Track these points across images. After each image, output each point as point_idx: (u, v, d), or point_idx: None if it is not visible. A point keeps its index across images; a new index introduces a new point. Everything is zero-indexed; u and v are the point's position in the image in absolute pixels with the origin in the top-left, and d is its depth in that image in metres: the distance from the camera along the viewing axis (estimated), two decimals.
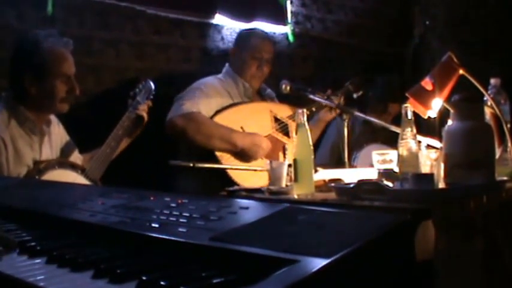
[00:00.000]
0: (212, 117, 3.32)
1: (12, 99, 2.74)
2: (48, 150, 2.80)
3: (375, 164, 2.33)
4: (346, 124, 3.09)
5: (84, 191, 1.86)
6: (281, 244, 0.96)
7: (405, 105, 2.27)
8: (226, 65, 3.62)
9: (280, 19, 4.29)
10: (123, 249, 1.14)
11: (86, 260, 1.05)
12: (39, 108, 2.76)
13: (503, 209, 1.86)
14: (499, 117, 2.32)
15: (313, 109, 3.46)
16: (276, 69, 3.75)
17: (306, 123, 2.14)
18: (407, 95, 2.39)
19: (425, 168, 2.16)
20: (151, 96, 3.11)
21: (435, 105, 2.33)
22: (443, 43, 4.69)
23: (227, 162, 3.21)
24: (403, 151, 2.19)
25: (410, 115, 2.24)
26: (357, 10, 4.87)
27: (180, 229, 1.12)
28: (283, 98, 3.64)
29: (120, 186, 1.65)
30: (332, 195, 1.98)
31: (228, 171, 3.11)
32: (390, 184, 1.91)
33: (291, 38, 4.36)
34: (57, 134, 2.91)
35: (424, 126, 2.68)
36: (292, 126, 3.41)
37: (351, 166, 3.19)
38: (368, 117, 3.40)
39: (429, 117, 2.40)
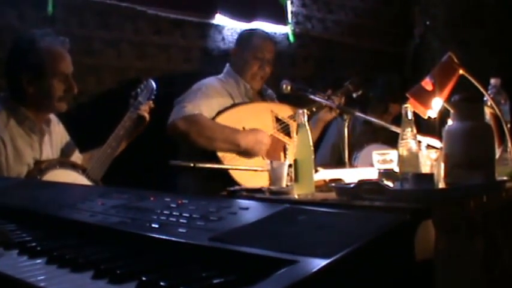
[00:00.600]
0: (214, 118, 3.32)
1: (10, 99, 2.74)
2: (48, 150, 2.80)
3: (375, 164, 2.33)
4: (346, 124, 3.09)
5: (84, 191, 1.86)
6: (281, 244, 0.96)
7: (405, 105, 2.26)
8: (227, 65, 3.61)
9: (281, 19, 4.29)
10: (123, 249, 1.15)
11: (86, 260, 1.05)
12: (37, 107, 2.76)
13: (503, 209, 1.86)
14: (499, 117, 2.32)
15: (314, 109, 3.46)
16: (277, 69, 3.74)
17: (307, 124, 2.14)
18: (407, 95, 2.39)
19: (425, 168, 2.16)
20: (153, 96, 3.11)
21: (435, 105, 2.33)
22: (443, 43, 4.69)
23: (229, 162, 3.21)
24: (404, 151, 2.19)
25: (410, 115, 2.23)
26: (357, 10, 4.88)
27: (180, 229, 1.13)
28: (283, 98, 3.64)
29: (121, 186, 1.65)
30: (332, 195, 1.98)
31: (229, 171, 3.12)
32: (390, 184, 1.91)
33: (291, 38, 4.36)
34: (58, 133, 2.91)
35: (424, 126, 2.68)
36: (293, 126, 3.41)
37: (351, 166, 3.19)
38: (368, 117, 3.40)
39: (429, 117, 2.40)
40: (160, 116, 3.18)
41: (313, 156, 2.13)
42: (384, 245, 0.96)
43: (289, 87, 3.37)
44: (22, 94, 2.71)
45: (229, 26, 4.00)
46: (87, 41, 3.39)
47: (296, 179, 2.10)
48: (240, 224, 1.10)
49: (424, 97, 2.35)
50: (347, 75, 3.96)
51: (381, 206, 1.70)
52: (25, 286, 0.98)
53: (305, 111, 2.17)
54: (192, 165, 2.85)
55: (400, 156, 2.20)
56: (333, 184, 2.09)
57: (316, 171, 2.32)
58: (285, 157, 3.14)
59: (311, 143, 2.13)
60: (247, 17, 4.07)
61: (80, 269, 1.03)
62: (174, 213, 1.24)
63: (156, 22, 3.68)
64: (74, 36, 3.06)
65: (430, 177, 1.93)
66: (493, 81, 2.52)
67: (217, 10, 3.93)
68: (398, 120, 2.51)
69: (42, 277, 1.01)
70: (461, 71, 2.34)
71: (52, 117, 2.88)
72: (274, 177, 2.33)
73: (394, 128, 2.72)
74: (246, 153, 3.26)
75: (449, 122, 2.11)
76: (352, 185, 1.88)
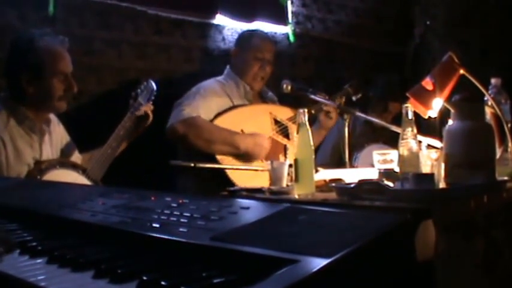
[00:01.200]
0: (212, 120, 3.31)
1: (10, 99, 2.74)
2: (48, 150, 2.80)
3: (375, 164, 2.33)
4: (346, 124, 3.09)
5: (85, 191, 1.86)
6: (281, 244, 0.96)
7: (406, 105, 2.27)
8: (227, 67, 3.61)
9: (281, 19, 4.29)
10: (123, 249, 1.15)
11: (86, 260, 1.05)
12: (37, 107, 2.75)
13: (504, 209, 1.86)
14: (500, 117, 2.32)
15: (313, 111, 3.45)
16: (277, 70, 3.74)
17: (307, 123, 2.14)
18: (407, 95, 2.39)
19: (425, 168, 2.16)
20: (153, 97, 3.10)
21: (436, 105, 2.33)
22: (443, 43, 4.69)
23: (228, 163, 3.21)
24: (404, 151, 2.19)
25: (410, 115, 2.24)
26: (357, 10, 4.87)
27: (181, 229, 1.13)
28: (284, 98, 3.64)
29: (121, 186, 1.65)
30: (333, 195, 1.98)
31: (228, 172, 3.11)
32: (391, 184, 1.90)
33: (291, 38, 4.36)
34: (58, 133, 2.91)
35: (425, 126, 2.68)
36: (292, 128, 3.41)
37: (352, 166, 3.19)
38: (369, 117, 3.40)
39: (430, 117, 2.40)
40: (160, 116, 3.17)
41: (313, 156, 2.13)
42: (384, 244, 0.96)
43: (289, 87, 3.37)
44: (22, 94, 2.71)
45: (229, 26, 3.99)
46: (88, 41, 3.39)
47: (296, 179, 2.10)
48: (241, 224, 1.10)
49: (424, 97, 2.34)
50: (347, 75, 3.97)
51: (381, 206, 1.70)
52: (26, 286, 0.99)
53: (305, 111, 2.17)
54: (192, 165, 2.85)
55: (400, 156, 2.21)
56: (333, 184, 2.09)
57: (317, 171, 2.32)
58: (285, 157, 3.14)
59: (311, 143, 2.13)
60: (248, 17, 4.07)
61: (80, 268, 1.03)
62: (175, 212, 1.24)
63: (157, 22, 3.68)
64: (74, 36, 3.06)
65: (430, 177, 1.93)
66: (493, 81, 2.52)
67: (217, 10, 3.92)
68: (398, 119, 2.52)
69: (42, 277, 1.01)
70: (461, 71, 2.33)
71: (52, 117, 2.88)
72: (274, 177, 2.33)
73: (394, 128, 2.72)
74: (245, 156, 3.25)
75: (450, 121, 2.11)
76: (352, 185, 1.88)
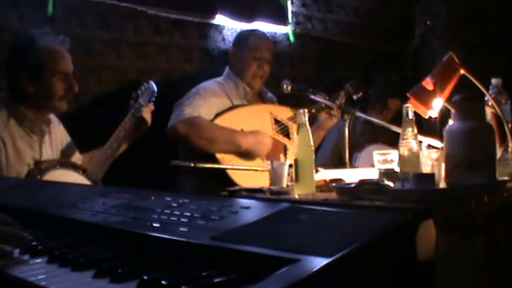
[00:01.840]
0: (212, 120, 3.32)
1: (11, 99, 2.74)
2: (48, 150, 2.80)
3: (375, 164, 2.33)
4: (347, 124, 3.09)
5: (85, 191, 1.86)
6: (282, 243, 0.96)
7: (406, 105, 2.27)
8: (227, 68, 3.61)
9: (281, 19, 4.29)
10: (124, 248, 1.14)
11: (87, 259, 1.05)
12: (38, 107, 2.76)
13: (505, 209, 1.86)
14: (500, 117, 2.32)
15: (313, 111, 3.45)
16: (277, 70, 3.74)
17: (307, 123, 2.14)
18: (408, 95, 2.39)
19: (426, 168, 2.16)
20: (154, 99, 3.10)
21: (436, 105, 2.33)
22: (444, 43, 4.69)
23: (228, 164, 3.21)
24: (404, 151, 2.19)
25: (411, 115, 2.24)
26: (357, 10, 4.88)
27: (181, 229, 1.12)
28: (284, 98, 3.64)
29: (121, 186, 1.65)
30: (333, 195, 1.98)
31: (228, 172, 3.11)
32: (391, 184, 1.90)
33: (291, 38, 4.36)
34: (58, 134, 2.91)
35: (425, 126, 2.68)
36: (292, 128, 3.41)
37: (352, 166, 3.19)
38: (369, 118, 3.40)
39: (430, 117, 2.40)
40: (160, 116, 3.17)
41: (313, 156, 2.13)
42: (385, 244, 0.95)
43: (289, 87, 3.37)
44: (22, 94, 2.71)
45: (229, 26, 4.00)
46: (88, 41, 3.39)
47: (297, 179, 2.10)
48: (241, 223, 1.10)
49: (424, 97, 2.34)
50: (347, 75, 3.97)
51: (381, 206, 1.70)
52: (26, 285, 0.98)
53: (306, 111, 2.17)
54: (192, 165, 2.85)
55: (400, 156, 2.21)
56: (334, 184, 2.09)
57: (317, 171, 2.32)
58: (285, 157, 3.14)
59: (312, 143, 2.13)
60: (248, 17, 4.07)
61: (81, 268, 1.03)
62: (175, 212, 1.23)
63: (157, 22, 3.68)
64: (74, 36, 3.06)
65: (431, 177, 1.93)
66: (494, 81, 2.52)
67: (217, 10, 3.92)
68: (398, 116, 2.52)
69: (43, 276, 1.01)
70: (462, 71, 2.33)
71: (52, 117, 2.88)
72: (274, 177, 2.33)
73: (394, 128, 2.72)
74: (246, 154, 3.25)
75: (450, 122, 2.11)
76: (352, 185, 1.88)
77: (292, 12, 4.34)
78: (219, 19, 3.96)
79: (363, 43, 4.80)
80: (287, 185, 2.31)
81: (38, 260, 1.12)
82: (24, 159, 2.67)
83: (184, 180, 3.26)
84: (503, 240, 1.79)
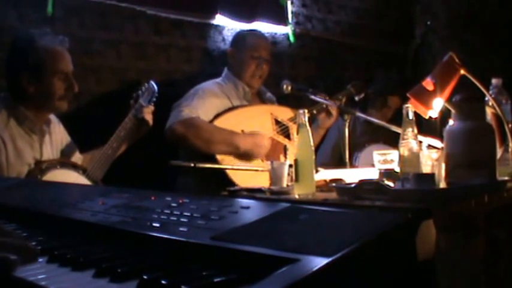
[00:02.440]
0: (212, 120, 3.31)
1: (11, 99, 2.74)
2: (48, 150, 2.80)
3: (376, 164, 2.33)
4: (347, 124, 3.09)
5: (85, 191, 1.86)
6: (282, 243, 0.96)
7: (406, 105, 2.27)
8: (225, 68, 3.61)
9: (281, 19, 4.29)
10: (124, 248, 1.14)
11: (87, 259, 1.05)
12: (38, 107, 2.76)
13: (505, 209, 1.86)
14: (501, 117, 2.32)
15: (314, 111, 3.45)
16: (277, 70, 3.74)
17: (308, 124, 2.14)
18: (408, 95, 2.39)
19: (426, 168, 2.16)
20: (154, 99, 3.10)
21: (436, 105, 2.33)
22: (444, 43, 4.69)
23: (228, 163, 3.21)
24: (404, 151, 2.19)
25: (411, 115, 2.24)
26: (357, 10, 4.88)
27: (181, 228, 1.12)
28: (284, 99, 3.64)
29: (121, 186, 1.65)
30: (333, 195, 1.98)
31: (228, 172, 3.11)
32: (391, 184, 1.90)
33: (291, 38, 4.36)
34: (58, 134, 2.91)
35: (425, 127, 2.68)
36: (292, 128, 3.41)
37: (352, 166, 3.19)
38: (369, 118, 3.40)
39: (430, 117, 2.40)
40: (160, 116, 3.17)
41: (313, 156, 2.13)
42: (385, 244, 0.95)
43: (289, 88, 3.37)
44: (22, 94, 2.71)
45: (229, 27, 4.00)
46: (87, 41, 3.39)
47: (297, 179, 2.09)
48: (241, 223, 1.10)
49: (425, 97, 2.34)
50: (347, 75, 3.97)
51: (381, 206, 1.70)
52: (26, 285, 0.98)
53: (306, 111, 2.17)
54: (192, 165, 2.84)
55: (401, 156, 2.21)
56: (334, 184, 2.09)
57: (317, 171, 2.32)
58: (285, 157, 3.14)
59: (312, 143, 2.13)
60: (248, 17, 4.07)
61: (80, 267, 1.03)
62: (175, 212, 1.23)
63: (156, 22, 3.68)
64: (74, 36, 3.06)
65: (431, 177, 1.93)
66: (494, 81, 2.52)
67: (217, 10, 3.92)
68: (398, 115, 2.52)
69: (42, 276, 1.01)
70: (462, 71, 2.33)
71: (52, 117, 2.88)
72: (274, 177, 2.33)
73: (394, 128, 2.72)
74: (245, 155, 3.25)
75: (451, 122, 2.11)
76: (352, 185, 1.88)
77: (292, 12, 4.35)
78: (219, 19, 3.95)
79: (363, 43, 4.80)
80: (287, 185, 2.31)
81: (38, 260, 1.11)
82: (25, 159, 2.67)
83: (184, 180, 3.26)
84: (503, 240, 1.79)
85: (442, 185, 1.99)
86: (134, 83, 3.28)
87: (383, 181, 1.92)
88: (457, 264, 1.58)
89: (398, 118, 2.53)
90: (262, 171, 2.91)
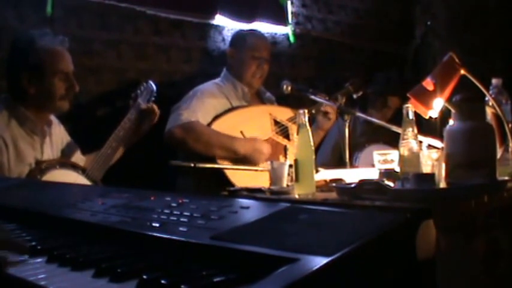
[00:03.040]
0: (211, 122, 3.30)
1: (11, 100, 2.74)
2: (49, 151, 2.80)
3: (376, 164, 2.33)
4: (347, 124, 3.09)
5: (85, 191, 1.86)
6: (282, 243, 0.95)
7: (406, 105, 2.27)
8: (224, 69, 3.61)
9: (281, 20, 4.29)
10: (124, 248, 1.14)
11: (86, 259, 1.05)
12: (39, 107, 2.76)
13: (505, 209, 1.86)
14: (501, 117, 2.31)
15: (313, 111, 3.45)
16: (277, 70, 3.74)
17: (307, 124, 2.14)
18: (408, 95, 2.39)
19: (426, 168, 2.16)
20: (153, 98, 3.10)
21: (436, 105, 2.33)
22: (444, 43, 4.69)
23: (227, 164, 3.20)
24: (404, 151, 2.19)
25: (411, 115, 2.24)
26: (357, 10, 4.88)
27: (181, 228, 1.12)
28: (284, 99, 3.64)
29: (121, 186, 1.65)
30: (333, 195, 1.98)
31: (228, 173, 3.11)
32: (391, 184, 1.90)
33: (291, 38, 4.36)
34: (58, 134, 2.91)
35: (425, 127, 2.68)
36: (292, 128, 3.40)
37: (352, 166, 3.19)
38: (369, 118, 3.40)
39: (430, 117, 2.40)
40: (160, 116, 3.17)
41: (313, 157, 2.13)
42: (385, 244, 0.95)
43: (289, 88, 3.36)
44: (23, 95, 2.71)
45: (229, 27, 3.99)
46: (87, 41, 3.39)
47: (297, 179, 2.10)
48: (241, 223, 1.10)
49: (425, 97, 2.34)
50: (347, 75, 3.97)
51: (381, 206, 1.69)
52: (25, 285, 0.98)
53: (306, 111, 2.17)
54: (192, 165, 2.84)
55: (401, 156, 2.21)
56: (334, 184, 2.09)
57: (317, 171, 2.32)
58: (285, 157, 3.14)
59: (312, 143, 2.13)
60: (248, 17, 4.07)
61: (80, 267, 1.02)
62: (175, 212, 1.23)
63: (156, 23, 3.67)
64: (74, 37, 3.05)
65: (431, 177, 1.93)
66: (494, 81, 2.52)
67: (217, 10, 3.92)
68: (398, 115, 2.52)
69: (42, 276, 1.01)
70: (462, 71, 2.33)
71: (53, 118, 2.88)
72: (274, 177, 2.33)
73: (395, 128, 2.72)
74: (244, 160, 3.24)
75: (451, 122, 2.11)
76: (353, 185, 1.88)
77: (292, 12, 4.34)
78: (219, 19, 3.95)
79: (363, 43, 4.80)
80: (287, 185, 2.31)
81: (38, 260, 1.11)
82: (26, 160, 2.66)
83: (184, 180, 3.25)
84: (503, 240, 1.79)
85: (442, 185, 1.99)
86: (134, 83, 3.28)
87: (383, 181, 1.92)
88: (457, 264, 1.58)
89: (398, 118, 2.52)
90: (262, 171, 2.91)
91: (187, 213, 1.20)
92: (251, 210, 1.18)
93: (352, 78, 3.67)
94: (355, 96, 3.56)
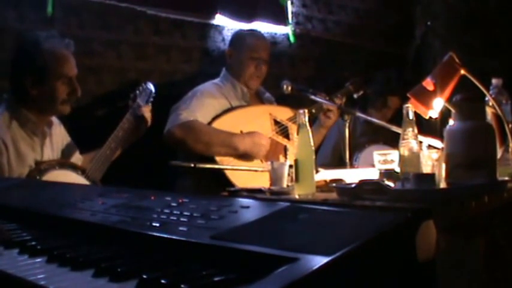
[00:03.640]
0: (211, 122, 3.30)
1: (13, 101, 2.74)
2: (49, 151, 2.80)
3: (376, 164, 2.33)
4: (347, 124, 3.09)
5: (85, 191, 1.86)
6: (282, 242, 0.96)
7: (406, 105, 2.27)
8: (223, 69, 3.60)
9: (281, 20, 4.29)
10: (123, 248, 1.14)
11: (86, 259, 1.05)
12: (40, 110, 2.75)
13: (505, 209, 1.85)
14: (501, 117, 2.31)
15: (313, 111, 3.45)
16: (277, 70, 3.74)
17: (308, 124, 2.14)
18: (408, 95, 2.39)
19: (426, 169, 2.16)
20: (152, 99, 3.10)
21: (436, 106, 2.33)
22: (444, 43, 4.69)
23: (228, 164, 3.20)
24: (405, 151, 2.19)
25: (411, 115, 2.24)
26: (358, 10, 4.87)
27: (181, 228, 1.12)
28: (284, 99, 3.64)
29: (121, 186, 1.65)
30: (333, 196, 1.97)
31: (228, 173, 3.11)
32: (391, 184, 1.90)
33: (291, 38, 4.36)
34: (58, 135, 2.91)
35: (426, 127, 2.68)
36: (292, 128, 3.40)
37: (352, 166, 3.19)
38: (369, 118, 3.40)
39: (430, 117, 2.40)
40: (160, 116, 3.17)
41: (314, 157, 2.13)
42: (385, 244, 0.95)
43: (289, 88, 3.36)
44: (25, 96, 2.70)
45: (229, 27, 3.99)
46: (87, 41, 3.39)
47: (297, 179, 2.09)
48: (241, 223, 1.10)
49: (425, 97, 2.34)
50: (348, 75, 3.96)
51: (382, 206, 1.69)
52: (25, 284, 0.98)
53: (306, 111, 2.17)
54: (192, 165, 2.84)
55: (401, 157, 2.20)
56: (334, 184, 2.09)
57: (317, 171, 2.32)
58: (285, 157, 3.14)
59: (312, 143, 2.12)
60: (248, 17, 4.06)
61: (80, 267, 1.03)
62: (175, 212, 1.23)
63: (156, 23, 3.67)
64: (74, 37, 3.04)
65: (431, 177, 1.92)
66: (494, 81, 2.52)
67: (217, 10, 3.92)
68: (398, 115, 2.51)
69: (42, 275, 1.01)
70: (462, 71, 2.33)
71: (53, 119, 2.88)
72: (274, 177, 2.33)
73: (395, 128, 2.72)
74: (245, 156, 3.24)
75: (451, 122, 2.11)
76: (353, 185, 1.88)
77: (292, 12, 4.34)
78: (219, 19, 3.95)
79: (363, 43, 4.80)
80: (287, 186, 2.31)
81: (38, 260, 1.12)
82: (26, 161, 2.66)
83: (184, 181, 3.25)
84: (503, 240, 1.79)
85: (442, 185, 1.99)
86: (134, 83, 3.28)
87: (383, 181, 1.91)
88: (457, 264, 1.58)
89: (398, 118, 2.52)
90: (262, 171, 2.91)
91: (187, 213, 1.21)
92: (251, 210, 1.18)
93: (352, 78, 3.68)
94: (355, 96, 3.56)
